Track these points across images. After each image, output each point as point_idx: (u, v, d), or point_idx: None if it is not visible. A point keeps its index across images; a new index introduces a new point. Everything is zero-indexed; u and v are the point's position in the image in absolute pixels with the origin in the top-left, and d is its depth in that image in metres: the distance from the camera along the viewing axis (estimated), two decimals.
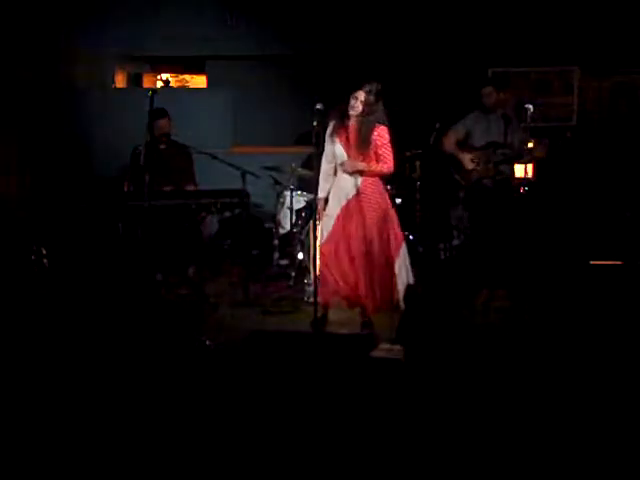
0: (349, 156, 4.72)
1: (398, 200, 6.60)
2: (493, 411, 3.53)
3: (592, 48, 7.56)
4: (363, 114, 4.70)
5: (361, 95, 4.70)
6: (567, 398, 3.68)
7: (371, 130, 4.73)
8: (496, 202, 5.60)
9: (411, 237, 6.93)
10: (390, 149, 4.77)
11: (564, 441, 3.23)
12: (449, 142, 5.79)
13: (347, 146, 4.73)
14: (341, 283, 4.73)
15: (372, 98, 4.70)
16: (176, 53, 8.52)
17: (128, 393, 3.72)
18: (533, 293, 5.45)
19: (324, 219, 4.83)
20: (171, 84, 9.49)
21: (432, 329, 4.68)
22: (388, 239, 4.79)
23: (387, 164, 4.77)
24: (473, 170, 5.65)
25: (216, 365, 4.00)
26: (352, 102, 4.71)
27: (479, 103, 5.78)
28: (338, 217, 4.76)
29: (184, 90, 9.39)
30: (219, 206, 5.93)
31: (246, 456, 3.11)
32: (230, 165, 5.86)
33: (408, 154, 6.93)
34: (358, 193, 4.73)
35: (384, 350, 4.12)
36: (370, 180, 4.78)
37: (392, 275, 4.81)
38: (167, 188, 5.91)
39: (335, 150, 4.77)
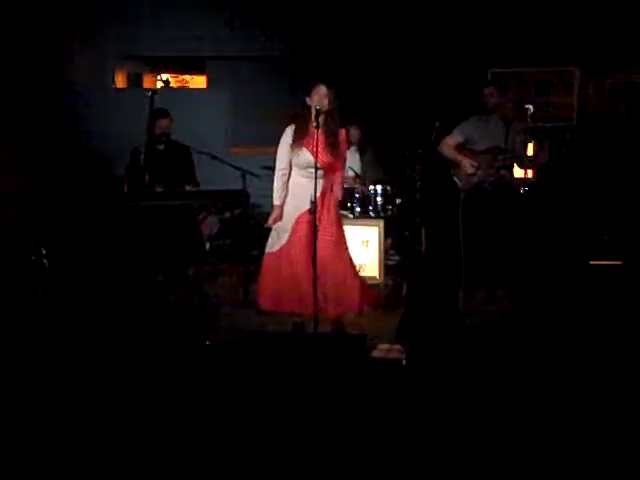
0: (321, 163, 4.56)
1: (398, 200, 6.61)
2: (493, 412, 3.53)
3: (592, 48, 7.56)
4: (328, 110, 4.59)
5: (322, 89, 4.57)
6: (568, 398, 3.68)
7: (338, 131, 4.70)
8: (496, 204, 5.58)
9: (411, 237, 6.94)
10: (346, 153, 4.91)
11: (564, 441, 3.23)
12: (447, 147, 5.74)
13: (316, 152, 4.51)
14: (302, 292, 4.61)
15: (332, 93, 4.60)
16: (176, 53, 8.53)
17: (128, 393, 3.72)
18: (533, 293, 5.45)
19: (278, 225, 4.73)
20: (171, 84, 9.51)
21: (432, 329, 4.68)
22: (343, 238, 4.81)
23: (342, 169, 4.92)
24: (473, 175, 5.63)
25: (216, 365, 4.00)
26: (316, 98, 4.55)
27: (478, 105, 5.74)
28: (299, 221, 4.65)
29: (184, 90, 9.40)
30: (219, 206, 5.94)
31: (245, 456, 3.11)
32: (230, 165, 5.86)
33: (408, 154, 6.94)
34: (320, 196, 4.63)
35: (384, 350, 4.12)
36: (328, 182, 4.75)
37: (354, 275, 4.80)
38: (162, 189, 5.89)
39: (300, 157, 4.62)
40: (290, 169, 4.73)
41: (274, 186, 4.76)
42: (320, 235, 4.55)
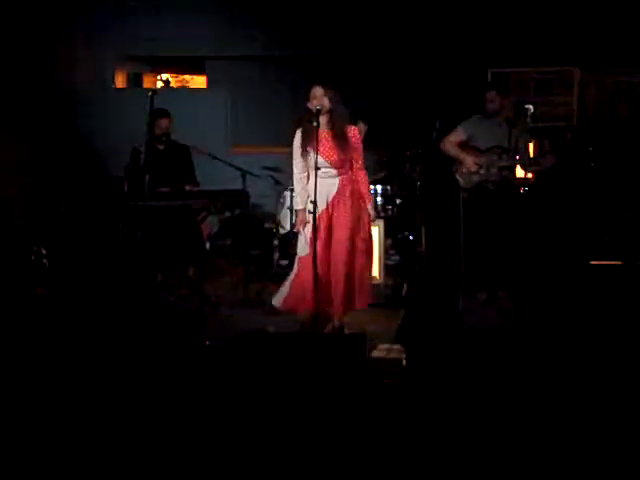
0: (331, 163, 4.61)
1: (398, 200, 6.61)
2: (493, 412, 3.52)
3: (592, 48, 7.56)
4: (331, 109, 4.60)
5: (319, 90, 4.59)
6: (568, 398, 3.68)
7: (344, 128, 4.69)
8: (497, 203, 5.58)
9: (411, 237, 6.94)
10: (362, 150, 4.78)
11: (564, 440, 3.23)
12: (450, 144, 5.74)
13: (326, 153, 4.59)
14: (314, 292, 4.59)
15: (330, 92, 4.61)
16: (176, 53, 8.53)
17: (128, 393, 3.72)
18: (534, 294, 5.45)
19: (301, 227, 4.74)
20: (171, 84, 9.51)
21: (432, 329, 4.68)
22: (359, 240, 4.76)
23: (363, 169, 4.78)
24: (475, 173, 5.62)
25: (216, 365, 4.00)
26: (314, 101, 4.56)
27: (480, 107, 5.74)
28: (318, 221, 4.61)
29: (184, 90, 9.40)
30: (219, 206, 5.94)
31: (245, 456, 3.11)
32: (230, 165, 5.87)
33: (408, 154, 6.94)
34: (337, 194, 4.66)
35: (384, 350, 4.12)
36: (346, 180, 4.73)
37: (355, 275, 4.77)
38: (165, 189, 5.89)
39: (310, 159, 4.60)
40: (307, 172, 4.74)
41: (295, 191, 4.83)
42: (337, 234, 4.59)
